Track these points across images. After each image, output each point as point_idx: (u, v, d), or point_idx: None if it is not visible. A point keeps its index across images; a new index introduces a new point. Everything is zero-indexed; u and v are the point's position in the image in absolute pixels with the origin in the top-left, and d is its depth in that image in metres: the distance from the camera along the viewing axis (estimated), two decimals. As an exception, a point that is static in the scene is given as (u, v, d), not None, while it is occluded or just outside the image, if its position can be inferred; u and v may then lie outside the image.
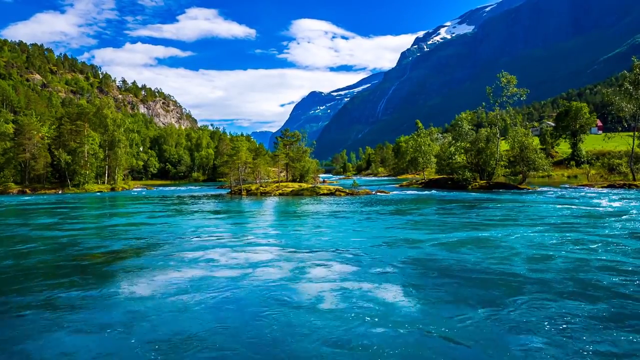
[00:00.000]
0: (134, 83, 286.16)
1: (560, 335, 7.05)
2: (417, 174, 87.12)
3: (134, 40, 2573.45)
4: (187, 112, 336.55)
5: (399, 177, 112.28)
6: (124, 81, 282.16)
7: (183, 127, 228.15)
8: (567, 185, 49.65)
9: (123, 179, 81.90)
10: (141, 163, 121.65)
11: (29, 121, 70.89)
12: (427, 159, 68.97)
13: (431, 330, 7.41)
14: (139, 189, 73.71)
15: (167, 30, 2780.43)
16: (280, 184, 52.62)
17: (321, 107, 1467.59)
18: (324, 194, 43.91)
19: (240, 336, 7.43)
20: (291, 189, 47.83)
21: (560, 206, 27.60)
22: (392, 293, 9.75)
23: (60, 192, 63.14)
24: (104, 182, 72.93)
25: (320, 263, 12.80)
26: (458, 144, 55.84)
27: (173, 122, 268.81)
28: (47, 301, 9.62)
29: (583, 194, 37.49)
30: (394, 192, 47.08)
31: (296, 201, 38.80)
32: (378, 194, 45.05)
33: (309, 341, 7.12)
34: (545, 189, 45.15)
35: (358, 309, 8.55)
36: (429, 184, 57.04)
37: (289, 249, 15.33)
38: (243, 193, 49.18)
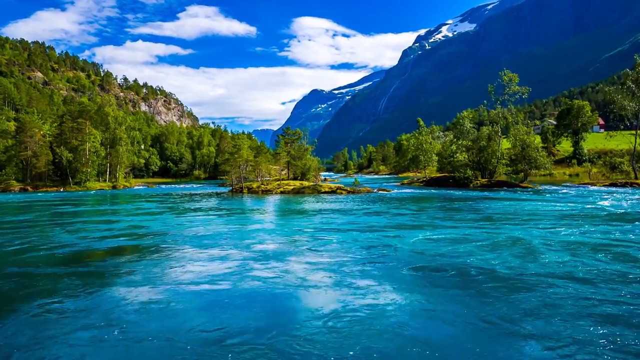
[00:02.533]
0: (135, 81, 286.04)
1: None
2: (419, 172, 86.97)
3: (135, 38, 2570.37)
4: (189, 110, 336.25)
5: (400, 175, 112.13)
6: (125, 79, 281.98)
7: (184, 125, 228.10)
8: (568, 184, 49.57)
9: (124, 177, 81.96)
10: (142, 161, 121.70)
11: (30, 119, 70.93)
12: (429, 157, 68.89)
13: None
14: (141, 187, 73.77)
15: (168, 28, 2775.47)
16: (282, 182, 52.62)
17: (322, 105, 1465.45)
18: (325, 192, 43.90)
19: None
20: (292, 187, 47.81)
21: (553, 204, 27.56)
22: (366, 290, 9.78)
23: (61, 190, 63.23)
24: (105, 180, 72.99)
25: (315, 264, 12.81)
26: (459, 142, 55.75)
27: (174, 120, 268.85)
28: (44, 299, 9.65)
29: (582, 192, 37.43)
30: (395, 191, 47.03)
31: (297, 199, 38.80)
32: (379, 192, 45.03)
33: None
34: (546, 187, 45.09)
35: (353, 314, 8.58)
36: (430, 183, 56.95)
37: (283, 245, 15.35)
38: (244, 191, 49.18)
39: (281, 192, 46.36)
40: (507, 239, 15.63)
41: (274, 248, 15.20)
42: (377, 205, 31.17)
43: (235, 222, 23.51)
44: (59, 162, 66.97)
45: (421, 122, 76.31)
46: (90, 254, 14.92)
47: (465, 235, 16.71)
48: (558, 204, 27.75)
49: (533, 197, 33.49)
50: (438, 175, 62.42)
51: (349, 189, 44.34)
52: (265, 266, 12.34)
